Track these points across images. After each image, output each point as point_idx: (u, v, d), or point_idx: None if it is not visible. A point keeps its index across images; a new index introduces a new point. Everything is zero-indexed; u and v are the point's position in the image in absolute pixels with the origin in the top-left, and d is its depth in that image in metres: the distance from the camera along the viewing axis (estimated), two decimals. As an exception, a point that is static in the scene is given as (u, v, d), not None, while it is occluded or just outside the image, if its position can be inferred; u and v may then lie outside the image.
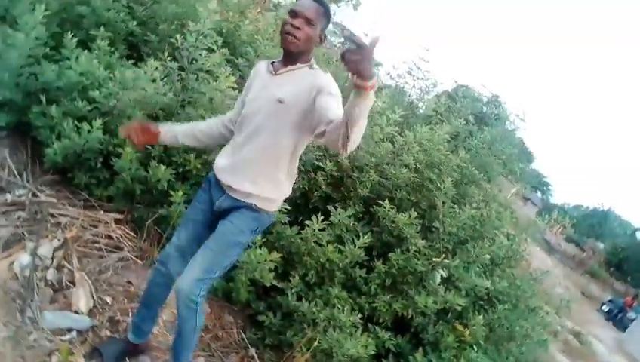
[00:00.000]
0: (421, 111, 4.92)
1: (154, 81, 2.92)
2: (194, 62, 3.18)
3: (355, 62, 1.38)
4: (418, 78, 4.73)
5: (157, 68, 2.90)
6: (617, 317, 18.72)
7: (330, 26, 2.30)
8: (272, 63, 2.01)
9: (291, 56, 1.92)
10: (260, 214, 2.00)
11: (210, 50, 3.29)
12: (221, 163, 2.04)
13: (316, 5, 1.88)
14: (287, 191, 2.06)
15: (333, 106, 1.73)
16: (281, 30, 1.89)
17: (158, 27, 3.70)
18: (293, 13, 1.85)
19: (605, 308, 19.45)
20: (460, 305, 3.16)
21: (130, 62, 3.21)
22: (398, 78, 4.93)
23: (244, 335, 2.99)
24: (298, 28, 1.83)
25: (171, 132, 2.18)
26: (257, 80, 2.03)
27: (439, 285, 3.22)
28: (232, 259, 2.04)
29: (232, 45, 4.16)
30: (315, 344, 2.72)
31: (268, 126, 1.90)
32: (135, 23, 3.52)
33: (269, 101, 1.90)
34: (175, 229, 2.24)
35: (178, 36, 3.12)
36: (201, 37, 3.13)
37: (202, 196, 2.12)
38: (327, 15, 1.92)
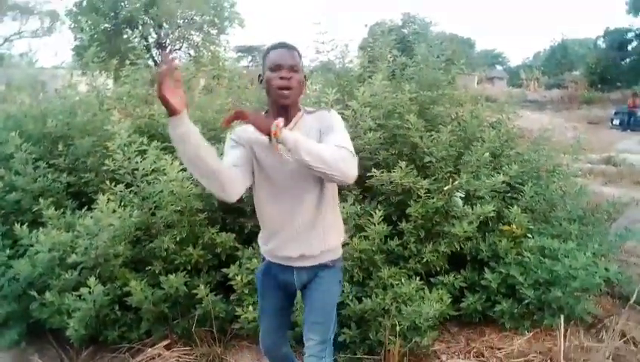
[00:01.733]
0: (352, 74, 4.92)
1: (114, 211, 2.91)
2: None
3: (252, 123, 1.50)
4: (330, 47, 4.67)
5: (109, 200, 2.90)
6: (631, 123, 18.86)
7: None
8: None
9: (285, 110, 1.84)
10: (336, 265, 2.02)
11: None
12: (276, 245, 1.96)
13: (293, 51, 1.85)
14: (342, 229, 2.08)
15: (329, 142, 1.73)
16: (272, 87, 1.80)
17: (87, 164, 3.70)
18: (278, 67, 1.79)
19: (616, 121, 19.56)
20: (493, 211, 3.19)
21: (84, 210, 3.21)
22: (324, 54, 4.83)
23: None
24: (289, 78, 1.79)
25: (194, 131, 1.62)
26: (257, 147, 1.87)
27: (464, 206, 3.25)
28: (334, 319, 2.04)
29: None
30: (398, 328, 2.73)
31: (303, 186, 1.86)
32: (66, 174, 3.55)
33: (293, 164, 1.77)
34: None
35: (107, 161, 3.12)
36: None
37: (270, 289, 2.08)
38: (301, 57, 1.90)
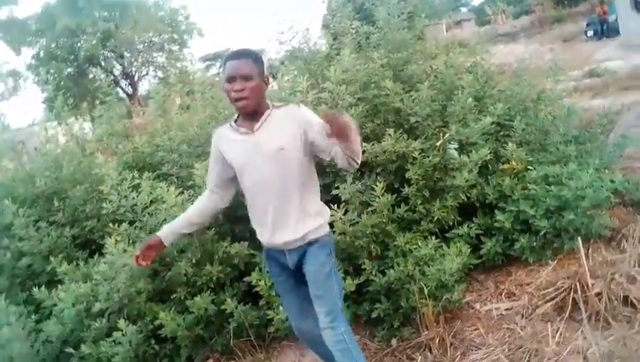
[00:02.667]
0: (320, 56, 4.89)
1: (125, 251, 2.93)
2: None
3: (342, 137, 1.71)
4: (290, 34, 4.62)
5: (116, 241, 2.91)
6: (604, 31, 18.74)
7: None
8: (235, 125, 2.08)
9: (252, 114, 2.01)
10: (323, 240, 2.12)
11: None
12: (265, 235, 2.13)
13: (245, 59, 1.95)
14: (327, 210, 2.25)
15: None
16: (230, 99, 1.98)
17: (86, 212, 3.71)
18: (231, 79, 1.92)
19: (590, 32, 19.43)
20: (489, 153, 3.20)
21: (96, 257, 3.23)
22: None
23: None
24: (242, 89, 1.91)
25: (171, 233, 2.29)
26: (232, 145, 2.08)
27: (460, 156, 3.25)
28: (337, 284, 2.16)
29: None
30: (426, 290, 2.76)
31: (278, 176, 2.00)
32: (68, 227, 3.57)
33: (267, 155, 1.98)
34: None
35: (104, 204, 3.13)
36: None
37: (275, 270, 2.25)
38: (259, 60, 1.99)
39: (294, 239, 2.06)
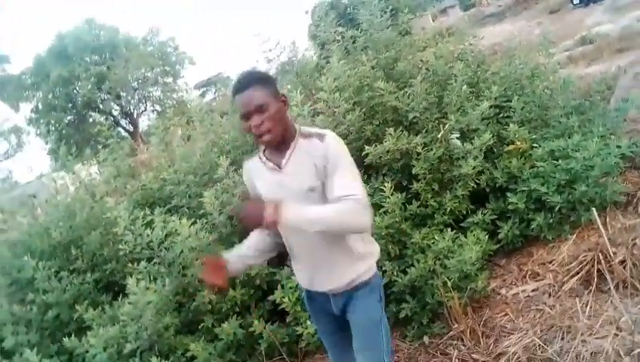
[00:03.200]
0: (309, 67, 4.93)
1: (147, 288, 2.95)
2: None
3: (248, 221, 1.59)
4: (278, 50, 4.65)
5: (138, 280, 2.94)
6: (591, -1, 18.61)
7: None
8: (264, 157, 1.83)
9: (277, 145, 1.77)
10: (371, 283, 1.88)
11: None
12: (304, 278, 1.94)
13: (253, 88, 1.70)
14: (376, 247, 1.97)
15: (334, 187, 1.66)
16: (253, 135, 1.75)
17: (104, 256, 3.75)
18: (246, 115, 1.70)
19: (575, 0, 19.34)
20: (491, 137, 3.20)
21: (121, 299, 3.26)
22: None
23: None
24: (261, 123, 1.68)
25: (239, 261, 1.95)
26: (262, 182, 1.84)
27: (463, 145, 3.25)
28: (385, 336, 1.91)
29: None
30: (450, 283, 2.75)
31: None
32: (89, 273, 3.62)
33: (298, 196, 1.71)
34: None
35: (121, 246, 3.17)
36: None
37: (316, 313, 2.03)
38: (267, 81, 1.76)
39: (339, 286, 1.83)
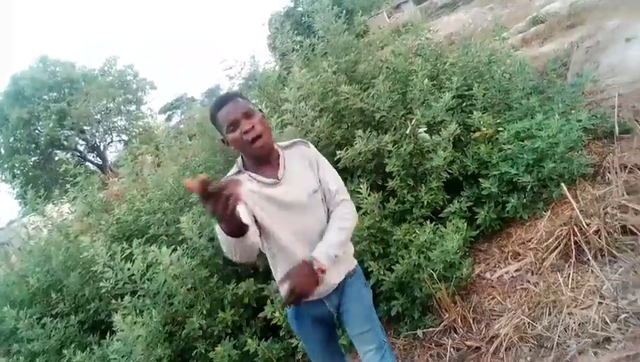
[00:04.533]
0: (271, 80, 4.93)
1: (135, 322, 2.90)
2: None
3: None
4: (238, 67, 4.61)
5: (123, 315, 2.88)
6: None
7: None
8: (254, 174, 1.75)
9: (268, 155, 1.76)
10: (356, 270, 1.98)
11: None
12: None
13: (236, 99, 1.71)
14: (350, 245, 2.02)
15: (331, 190, 1.86)
16: (243, 145, 1.68)
17: (86, 296, 3.67)
18: (234, 123, 1.66)
19: (522, -17, 19.87)
20: (458, 127, 3.26)
21: (109, 337, 3.20)
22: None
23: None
24: (252, 127, 1.66)
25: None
26: (260, 202, 1.72)
27: (432, 137, 3.30)
28: (376, 315, 2.00)
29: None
30: (435, 274, 2.78)
31: (318, 221, 1.81)
32: (73, 315, 3.52)
33: (302, 201, 1.76)
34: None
35: (102, 283, 3.10)
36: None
37: (308, 328, 1.98)
38: (245, 98, 1.77)
39: (334, 285, 1.87)
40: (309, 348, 2.04)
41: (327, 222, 1.83)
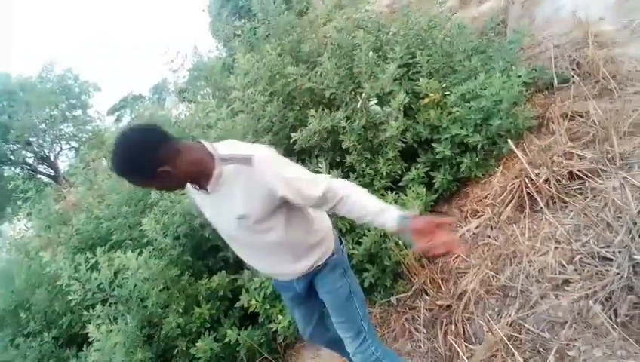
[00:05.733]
0: (215, 68, 4.86)
1: (110, 331, 2.87)
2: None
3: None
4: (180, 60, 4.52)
5: (98, 325, 2.85)
6: None
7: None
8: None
9: (197, 181, 1.65)
10: (331, 261, 1.90)
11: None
12: (264, 274, 2.10)
13: (127, 181, 1.61)
14: (329, 236, 1.92)
15: (305, 199, 1.63)
16: None
17: (56, 311, 3.60)
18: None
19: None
20: (406, 95, 3.31)
21: (86, 349, 3.15)
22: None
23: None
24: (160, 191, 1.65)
25: None
26: (198, 198, 1.80)
27: (383, 109, 3.35)
28: (359, 304, 1.96)
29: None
30: (401, 241, 2.86)
31: (257, 237, 1.72)
32: (46, 332, 3.45)
33: (230, 222, 1.68)
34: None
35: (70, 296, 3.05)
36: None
37: (286, 293, 2.10)
38: (132, 173, 1.54)
39: (294, 275, 1.88)
40: (289, 309, 2.22)
41: (280, 241, 1.73)
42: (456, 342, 2.44)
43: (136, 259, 2.98)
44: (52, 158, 25.29)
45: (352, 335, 1.92)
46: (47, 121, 24.61)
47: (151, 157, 1.47)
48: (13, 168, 24.02)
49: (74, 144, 25.28)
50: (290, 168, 1.63)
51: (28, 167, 24.24)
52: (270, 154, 1.62)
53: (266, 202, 1.60)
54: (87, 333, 2.90)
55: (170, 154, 1.50)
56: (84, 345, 3.17)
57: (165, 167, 1.49)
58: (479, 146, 3.23)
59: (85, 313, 3.03)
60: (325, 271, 1.91)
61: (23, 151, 23.90)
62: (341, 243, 2.03)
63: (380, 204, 1.62)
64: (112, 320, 3.02)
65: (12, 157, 23.43)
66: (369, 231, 3.01)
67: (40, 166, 24.92)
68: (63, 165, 24.99)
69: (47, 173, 25.01)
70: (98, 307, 3.06)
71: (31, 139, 23.69)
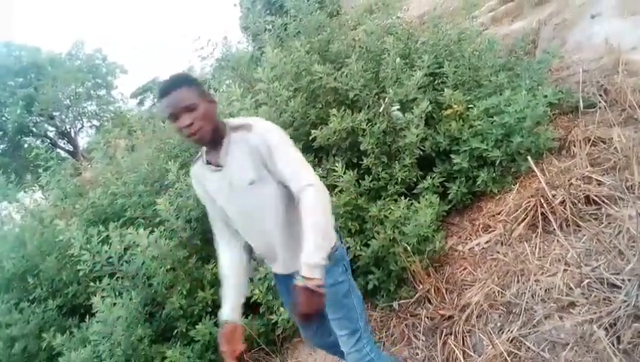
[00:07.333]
0: (244, 60, 4.91)
1: (114, 304, 2.91)
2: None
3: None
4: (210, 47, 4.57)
5: (102, 297, 2.90)
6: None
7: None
8: (206, 160, 1.84)
9: (211, 142, 1.77)
10: (335, 254, 1.88)
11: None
12: (268, 264, 2.08)
13: (178, 89, 1.68)
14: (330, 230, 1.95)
15: (287, 179, 1.68)
16: (182, 134, 1.74)
17: (64, 280, 3.66)
18: (174, 116, 1.68)
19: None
20: (429, 104, 3.32)
21: (88, 319, 3.20)
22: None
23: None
24: (191, 123, 1.67)
25: (235, 309, 1.91)
26: (208, 184, 1.87)
27: (404, 115, 3.37)
28: (357, 301, 1.96)
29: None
30: (410, 248, 2.87)
31: (263, 209, 1.78)
32: (51, 299, 3.51)
33: (243, 192, 1.75)
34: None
35: (79, 266, 3.10)
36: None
37: (285, 290, 2.03)
38: (193, 83, 1.73)
39: (288, 272, 1.88)
40: (288, 307, 2.17)
41: (284, 225, 1.79)
42: (455, 353, 2.43)
43: (148, 237, 3.02)
44: (72, 134, 25.68)
45: (348, 333, 1.92)
46: (71, 98, 24.99)
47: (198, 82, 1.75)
48: (34, 139, 24.44)
49: (95, 122, 25.65)
50: (285, 143, 1.73)
51: (48, 140, 24.63)
52: (273, 125, 1.77)
53: (260, 165, 1.71)
54: (91, 305, 2.96)
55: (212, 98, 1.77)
56: (87, 316, 3.23)
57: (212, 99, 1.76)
58: (498, 162, 3.22)
59: (92, 284, 3.08)
60: (328, 265, 1.85)
61: (45, 125, 24.31)
62: (341, 241, 2.03)
63: (310, 244, 1.58)
64: (117, 294, 3.07)
65: (34, 129, 23.85)
66: (378, 233, 3.03)
67: (60, 140, 25.33)
68: (82, 142, 25.37)
69: (67, 148, 25.39)
70: (105, 280, 3.11)
71: (54, 113, 24.09)
